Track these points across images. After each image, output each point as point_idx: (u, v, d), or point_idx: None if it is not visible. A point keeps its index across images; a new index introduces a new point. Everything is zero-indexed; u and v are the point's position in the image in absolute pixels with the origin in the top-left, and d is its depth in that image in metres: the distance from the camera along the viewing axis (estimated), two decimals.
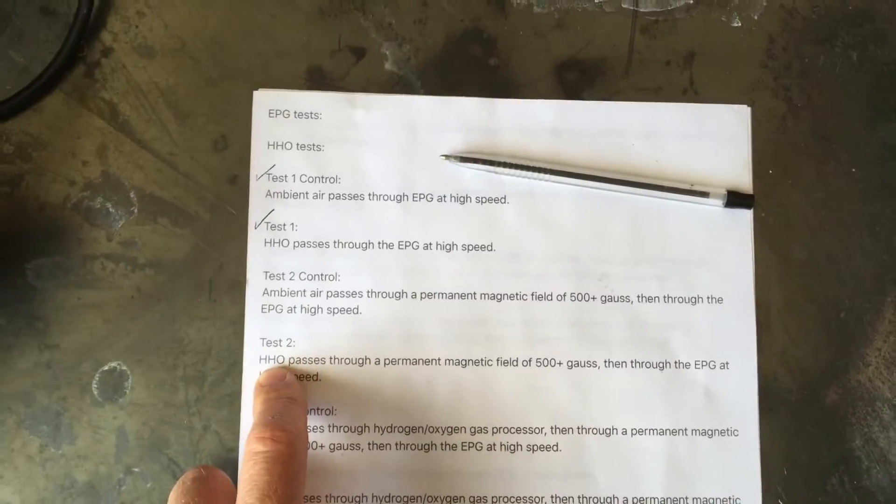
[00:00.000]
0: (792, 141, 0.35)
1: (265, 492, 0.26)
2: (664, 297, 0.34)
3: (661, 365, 0.33)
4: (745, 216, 0.34)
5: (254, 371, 0.33)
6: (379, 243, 0.34)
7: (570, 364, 0.33)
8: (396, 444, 0.33)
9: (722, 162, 0.34)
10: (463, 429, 0.33)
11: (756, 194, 0.34)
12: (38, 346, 0.33)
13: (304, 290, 0.33)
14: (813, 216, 0.35)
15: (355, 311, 0.33)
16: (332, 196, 0.34)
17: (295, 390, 0.32)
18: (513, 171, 0.34)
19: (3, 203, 0.34)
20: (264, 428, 0.28)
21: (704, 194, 0.34)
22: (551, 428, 0.33)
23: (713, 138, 0.34)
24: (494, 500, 0.32)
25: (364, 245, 0.34)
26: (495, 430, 0.33)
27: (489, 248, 0.34)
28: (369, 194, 0.34)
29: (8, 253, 0.33)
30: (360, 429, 0.33)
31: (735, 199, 0.34)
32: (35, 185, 0.34)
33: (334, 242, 0.34)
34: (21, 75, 0.34)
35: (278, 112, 0.34)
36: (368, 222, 0.34)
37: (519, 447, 0.33)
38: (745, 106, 0.35)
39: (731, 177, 0.34)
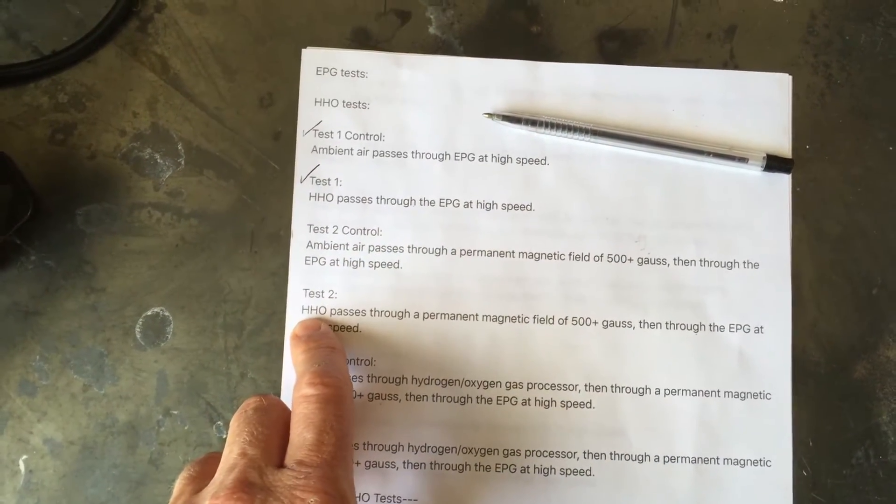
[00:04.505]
0: (830, 116, 0.35)
1: (322, 427, 0.27)
2: (700, 260, 0.34)
3: (695, 327, 0.34)
4: (783, 183, 0.35)
5: (296, 320, 0.33)
6: (420, 200, 0.34)
7: (605, 323, 0.34)
8: (433, 395, 0.33)
9: (761, 129, 0.35)
10: (499, 383, 0.33)
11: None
12: (86, 288, 0.34)
13: (347, 244, 0.34)
14: (848, 192, 0.35)
15: (396, 265, 0.34)
16: (375, 153, 0.34)
17: (332, 339, 0.32)
18: (554, 130, 0.34)
19: (56, 150, 0.34)
20: (314, 375, 0.29)
21: (743, 159, 0.34)
22: (585, 385, 0.33)
23: (753, 106, 0.35)
24: (528, 453, 0.33)
25: (406, 202, 0.34)
26: (530, 385, 0.33)
27: (528, 207, 0.34)
28: (412, 152, 0.34)
29: (59, 198, 0.34)
30: (398, 379, 0.33)
31: (774, 163, 0.34)
32: (87, 133, 0.35)
33: (377, 198, 0.34)
34: (77, 27, 0.35)
35: (326, 70, 0.35)
36: (411, 179, 0.34)
37: (553, 403, 0.33)
38: (787, 74, 0.35)
39: (770, 144, 0.35)
